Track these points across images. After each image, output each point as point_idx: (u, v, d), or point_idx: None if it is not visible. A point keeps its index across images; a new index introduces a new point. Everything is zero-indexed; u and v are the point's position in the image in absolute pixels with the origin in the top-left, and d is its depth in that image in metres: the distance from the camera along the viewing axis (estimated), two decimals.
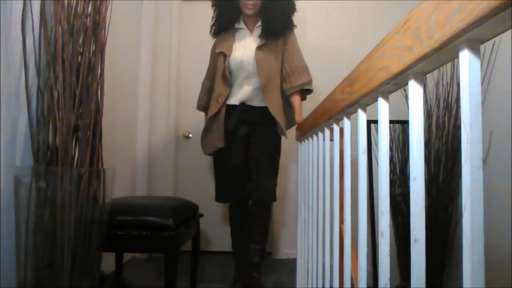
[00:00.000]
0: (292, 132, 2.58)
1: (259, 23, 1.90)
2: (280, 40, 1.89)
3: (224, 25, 1.92)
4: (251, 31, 1.92)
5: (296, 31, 2.68)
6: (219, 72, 1.86)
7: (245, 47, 1.87)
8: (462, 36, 0.36)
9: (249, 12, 1.84)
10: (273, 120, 1.84)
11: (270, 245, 2.61)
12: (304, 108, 1.86)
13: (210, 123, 1.87)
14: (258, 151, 1.85)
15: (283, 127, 1.84)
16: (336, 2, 2.69)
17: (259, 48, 1.83)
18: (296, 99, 1.86)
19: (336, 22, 2.68)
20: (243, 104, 1.86)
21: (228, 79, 1.84)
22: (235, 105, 1.86)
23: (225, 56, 1.85)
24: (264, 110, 1.84)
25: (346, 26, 2.68)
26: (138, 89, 2.59)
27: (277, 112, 1.81)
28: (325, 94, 1.06)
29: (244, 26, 1.92)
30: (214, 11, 1.95)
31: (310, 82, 1.88)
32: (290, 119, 1.95)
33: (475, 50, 0.38)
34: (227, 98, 1.85)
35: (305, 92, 1.92)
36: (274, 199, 1.85)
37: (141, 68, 2.61)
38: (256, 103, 1.88)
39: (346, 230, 0.86)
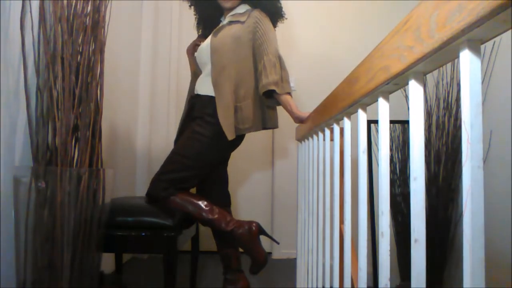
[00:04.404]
0: (292, 132, 2.58)
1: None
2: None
3: (209, 28, 1.83)
4: None
5: (295, 31, 2.70)
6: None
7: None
8: (463, 36, 0.36)
9: (227, 5, 1.71)
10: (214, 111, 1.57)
11: (270, 245, 2.61)
12: (304, 108, 1.85)
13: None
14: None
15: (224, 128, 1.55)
16: (336, 2, 2.69)
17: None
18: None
19: (336, 22, 2.68)
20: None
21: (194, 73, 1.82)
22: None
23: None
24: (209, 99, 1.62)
25: (345, 26, 2.68)
26: (138, 88, 2.59)
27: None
28: (325, 94, 1.06)
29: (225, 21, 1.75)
30: (194, 11, 1.88)
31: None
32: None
33: (476, 50, 0.38)
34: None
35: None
36: (150, 193, 1.54)
37: (141, 68, 2.61)
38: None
39: (346, 230, 0.86)
